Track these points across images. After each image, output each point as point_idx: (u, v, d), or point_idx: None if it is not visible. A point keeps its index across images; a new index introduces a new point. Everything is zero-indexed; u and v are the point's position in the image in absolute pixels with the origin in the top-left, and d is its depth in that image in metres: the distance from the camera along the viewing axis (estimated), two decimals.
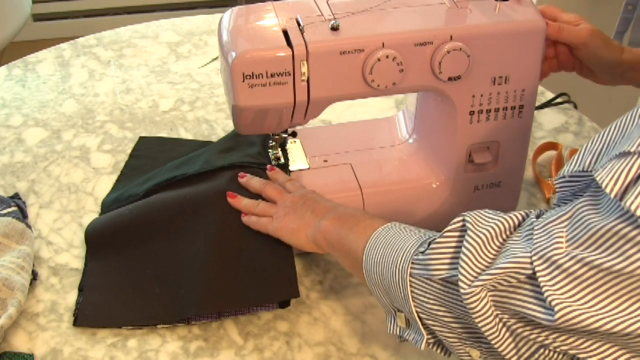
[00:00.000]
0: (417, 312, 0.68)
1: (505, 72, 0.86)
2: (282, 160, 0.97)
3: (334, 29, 0.81)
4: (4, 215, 0.94)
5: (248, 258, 0.87)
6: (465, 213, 0.65)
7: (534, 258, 0.57)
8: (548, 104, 1.13)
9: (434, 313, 0.67)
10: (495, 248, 0.62)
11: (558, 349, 0.59)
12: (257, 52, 0.79)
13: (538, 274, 0.57)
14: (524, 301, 0.58)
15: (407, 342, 0.74)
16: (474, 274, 0.61)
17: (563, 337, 0.58)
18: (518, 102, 0.89)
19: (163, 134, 1.15)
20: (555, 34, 0.86)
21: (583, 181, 0.61)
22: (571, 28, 0.87)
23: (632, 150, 0.52)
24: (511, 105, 0.89)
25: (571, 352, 0.59)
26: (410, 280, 0.68)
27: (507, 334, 0.61)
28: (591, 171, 0.58)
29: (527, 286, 0.58)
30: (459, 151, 0.91)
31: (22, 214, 0.98)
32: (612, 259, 0.53)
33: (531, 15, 0.84)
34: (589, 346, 0.58)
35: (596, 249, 0.54)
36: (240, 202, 0.90)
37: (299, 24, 0.81)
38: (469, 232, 0.63)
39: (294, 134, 0.98)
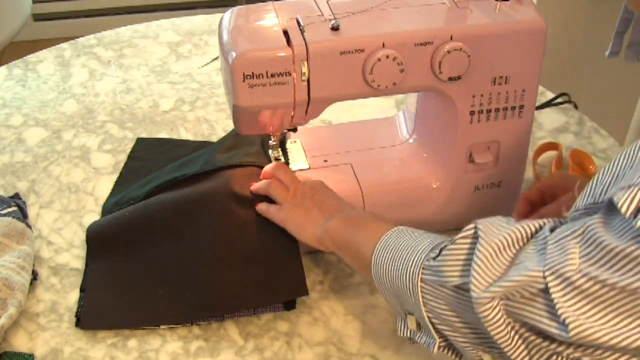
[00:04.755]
0: (428, 317, 0.68)
1: (505, 72, 0.86)
2: (283, 160, 0.97)
3: (334, 29, 0.81)
4: (4, 215, 0.94)
5: (254, 258, 0.87)
6: (478, 220, 0.65)
7: (547, 273, 0.57)
8: (548, 104, 1.13)
9: (446, 318, 0.67)
10: (508, 258, 0.62)
11: (572, 356, 0.59)
12: (258, 52, 0.79)
13: (551, 290, 0.57)
14: (537, 314, 0.59)
15: (416, 344, 0.73)
16: (486, 283, 0.61)
17: (577, 349, 0.58)
18: (518, 102, 0.89)
19: (163, 133, 1.15)
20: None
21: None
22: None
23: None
24: (511, 105, 0.89)
25: (584, 359, 0.59)
26: (421, 286, 0.68)
27: (520, 342, 0.61)
28: (602, 202, 0.58)
29: (540, 299, 0.58)
30: (459, 151, 0.91)
31: (22, 214, 0.98)
32: (626, 278, 0.53)
33: (531, 15, 0.84)
34: (603, 354, 0.58)
35: (610, 267, 0.54)
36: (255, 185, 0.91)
37: (299, 24, 0.81)
38: (480, 240, 0.63)
39: (294, 130, 0.98)
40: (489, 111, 0.89)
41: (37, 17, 2.74)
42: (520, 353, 0.62)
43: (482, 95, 0.87)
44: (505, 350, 0.62)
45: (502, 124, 0.90)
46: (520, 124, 0.90)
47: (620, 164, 0.59)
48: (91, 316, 0.87)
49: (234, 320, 0.87)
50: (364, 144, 1.00)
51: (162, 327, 0.86)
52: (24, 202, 1.01)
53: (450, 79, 0.84)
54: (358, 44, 0.80)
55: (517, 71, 0.86)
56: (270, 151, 0.98)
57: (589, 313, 0.55)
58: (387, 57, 0.80)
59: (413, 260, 0.69)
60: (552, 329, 0.57)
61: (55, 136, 1.14)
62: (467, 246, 0.64)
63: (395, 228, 0.75)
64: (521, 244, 0.62)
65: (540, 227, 0.63)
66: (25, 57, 1.32)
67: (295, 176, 0.90)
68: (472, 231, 0.65)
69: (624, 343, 0.54)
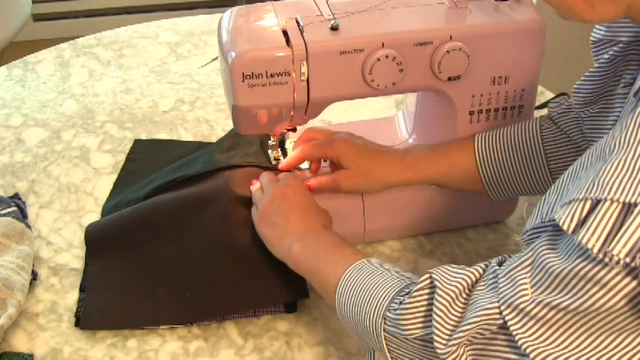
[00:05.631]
0: None
1: (505, 72, 0.86)
2: (282, 160, 0.97)
3: (334, 29, 0.81)
4: (4, 215, 0.94)
5: (253, 259, 0.87)
6: (432, 270, 0.65)
7: (502, 307, 0.58)
8: (548, 104, 1.13)
9: None
10: (463, 301, 0.62)
11: None
12: (257, 52, 0.79)
13: (509, 323, 0.57)
14: (501, 352, 0.59)
15: None
16: (448, 332, 0.61)
17: None
18: (518, 102, 0.89)
19: (163, 134, 1.15)
20: (305, 154, 0.90)
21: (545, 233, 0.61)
22: (322, 144, 0.89)
23: (579, 197, 0.53)
24: (511, 105, 0.89)
25: None
26: (384, 335, 0.67)
27: None
28: (548, 221, 0.58)
29: (501, 337, 0.59)
30: None
31: (22, 214, 0.98)
32: (576, 299, 0.53)
33: (531, 15, 0.84)
34: None
35: (560, 291, 0.54)
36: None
37: (298, 24, 0.81)
38: (437, 290, 0.62)
39: (294, 130, 0.98)
40: (488, 111, 0.89)
41: (37, 17, 2.74)
42: None
43: (481, 95, 0.87)
44: None
45: (501, 124, 0.90)
46: None
47: (564, 182, 0.59)
48: (91, 317, 0.87)
49: (233, 320, 0.87)
50: None
51: (161, 327, 0.86)
52: (24, 202, 1.01)
53: (449, 78, 0.84)
54: (357, 44, 0.80)
55: (517, 71, 0.86)
56: (269, 151, 0.98)
57: (548, 340, 0.56)
58: (387, 57, 0.80)
59: (375, 308, 0.68)
60: None
61: (54, 136, 1.14)
62: (425, 297, 0.64)
63: (357, 263, 0.74)
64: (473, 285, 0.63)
65: (487, 265, 0.64)
66: (25, 57, 1.32)
67: (272, 179, 0.88)
68: (427, 281, 0.64)
69: None
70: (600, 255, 0.51)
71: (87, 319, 0.86)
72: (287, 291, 0.87)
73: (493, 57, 0.84)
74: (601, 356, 0.54)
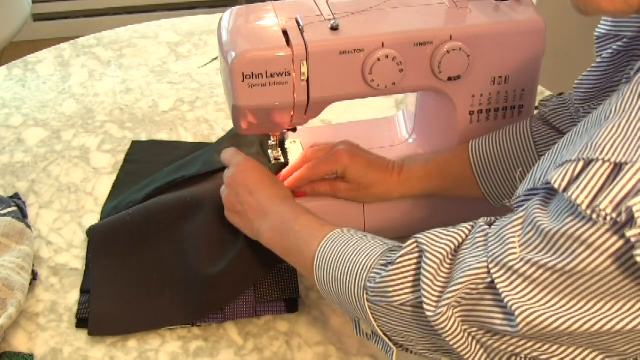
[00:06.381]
0: (382, 330, 0.68)
1: (505, 72, 0.86)
2: (282, 160, 0.97)
3: (334, 29, 0.81)
4: (4, 215, 0.94)
5: (248, 257, 0.87)
6: (418, 235, 0.65)
7: (491, 266, 0.58)
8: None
9: (400, 331, 0.67)
10: (450, 262, 0.62)
11: (529, 356, 0.60)
12: (257, 52, 0.79)
13: (496, 281, 0.57)
14: (489, 312, 0.59)
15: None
16: (437, 294, 0.61)
17: (531, 344, 0.59)
18: (518, 102, 0.89)
19: (163, 134, 1.15)
20: (311, 174, 0.88)
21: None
22: (327, 160, 0.88)
23: (573, 158, 0.54)
24: (511, 105, 0.89)
25: (542, 357, 0.59)
26: (368, 305, 0.67)
27: (478, 347, 0.62)
28: (541, 187, 0.58)
29: (488, 296, 0.59)
30: None
31: (22, 214, 0.98)
32: (563, 260, 0.54)
33: (531, 15, 0.84)
34: (557, 350, 0.58)
35: (548, 251, 0.55)
36: None
37: (298, 24, 0.81)
38: (426, 253, 0.62)
39: (294, 130, 0.98)
40: (488, 111, 0.89)
41: (37, 17, 2.74)
42: (480, 358, 0.62)
43: (481, 95, 0.87)
44: (465, 357, 0.62)
45: (501, 124, 0.90)
46: None
47: (559, 148, 0.59)
48: (101, 323, 0.86)
49: (233, 320, 0.87)
50: (363, 144, 1.00)
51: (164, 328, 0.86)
52: (24, 202, 1.01)
53: (449, 78, 0.84)
54: (357, 44, 0.80)
55: (517, 71, 0.86)
56: (269, 151, 0.98)
57: (535, 299, 0.56)
58: (387, 57, 0.80)
59: (355, 280, 0.68)
60: (505, 323, 0.57)
61: (54, 136, 1.14)
62: (412, 262, 0.64)
63: (331, 234, 0.73)
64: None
65: (473, 226, 0.64)
66: (25, 57, 1.32)
67: (232, 171, 0.86)
68: (413, 246, 0.64)
69: (568, 324, 0.55)
70: (589, 212, 0.51)
71: (96, 325, 0.86)
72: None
73: (493, 57, 0.84)
74: (585, 318, 0.54)
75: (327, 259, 0.71)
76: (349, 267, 0.69)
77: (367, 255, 0.68)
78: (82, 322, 0.87)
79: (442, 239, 0.63)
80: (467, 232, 0.63)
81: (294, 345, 0.85)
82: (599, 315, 0.54)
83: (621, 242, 0.51)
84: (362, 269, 0.68)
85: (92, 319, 0.86)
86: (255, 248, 0.86)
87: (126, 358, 0.83)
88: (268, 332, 0.86)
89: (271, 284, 0.88)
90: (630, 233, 0.50)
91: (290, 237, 0.77)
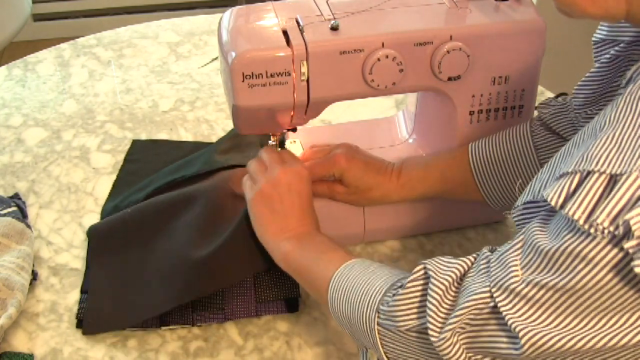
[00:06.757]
0: (388, 358, 0.68)
1: (505, 72, 0.86)
2: None
3: (334, 29, 0.81)
4: (4, 215, 0.94)
5: (248, 256, 0.87)
6: (425, 261, 0.65)
7: (494, 290, 0.58)
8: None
9: (406, 357, 0.67)
10: (455, 290, 0.62)
11: None
12: (257, 52, 0.79)
13: (499, 304, 0.57)
14: (493, 337, 0.59)
15: None
16: (442, 320, 0.61)
17: None
18: (518, 102, 0.89)
19: (163, 134, 1.15)
20: (311, 176, 0.87)
21: (536, 211, 0.61)
22: (324, 163, 0.88)
23: (569, 170, 0.54)
24: (511, 105, 0.89)
25: None
26: (378, 329, 0.67)
27: None
28: (540, 199, 0.59)
29: (492, 321, 0.59)
30: None
31: (22, 214, 0.98)
32: (564, 277, 0.54)
33: (531, 15, 0.84)
34: None
35: (549, 270, 0.55)
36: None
37: (298, 24, 0.81)
38: (432, 279, 0.63)
39: (294, 130, 0.98)
40: (488, 111, 0.89)
41: (37, 17, 2.74)
42: None
43: (481, 95, 0.87)
44: None
45: (501, 124, 0.90)
46: (520, 124, 0.90)
47: (557, 160, 0.60)
48: (93, 321, 0.86)
49: (233, 321, 0.87)
50: (363, 144, 1.00)
51: (162, 327, 0.86)
52: (24, 202, 1.01)
53: (449, 78, 0.84)
54: (357, 44, 0.80)
55: (517, 71, 0.86)
56: None
57: (539, 319, 0.56)
58: (387, 57, 0.80)
59: (369, 303, 0.68)
60: (510, 346, 0.57)
61: (54, 136, 1.14)
62: (419, 288, 0.64)
63: (349, 262, 0.74)
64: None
65: (478, 255, 0.64)
66: (25, 57, 1.32)
67: (281, 158, 0.86)
68: (421, 272, 0.65)
69: (578, 345, 0.54)
70: (586, 227, 0.51)
71: (89, 324, 0.86)
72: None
73: (493, 57, 0.84)
74: (590, 335, 0.54)
75: (343, 283, 0.72)
76: (363, 291, 0.70)
77: (383, 281, 0.69)
78: (82, 322, 0.87)
79: (448, 266, 0.64)
80: (472, 260, 0.64)
81: (294, 345, 0.85)
82: (603, 332, 0.54)
83: (620, 255, 0.51)
84: (376, 293, 0.68)
85: (86, 317, 0.86)
86: (245, 238, 0.86)
87: (126, 358, 0.84)
88: (268, 332, 0.86)
89: (271, 283, 0.88)
90: (628, 245, 0.50)
91: (311, 257, 0.78)
